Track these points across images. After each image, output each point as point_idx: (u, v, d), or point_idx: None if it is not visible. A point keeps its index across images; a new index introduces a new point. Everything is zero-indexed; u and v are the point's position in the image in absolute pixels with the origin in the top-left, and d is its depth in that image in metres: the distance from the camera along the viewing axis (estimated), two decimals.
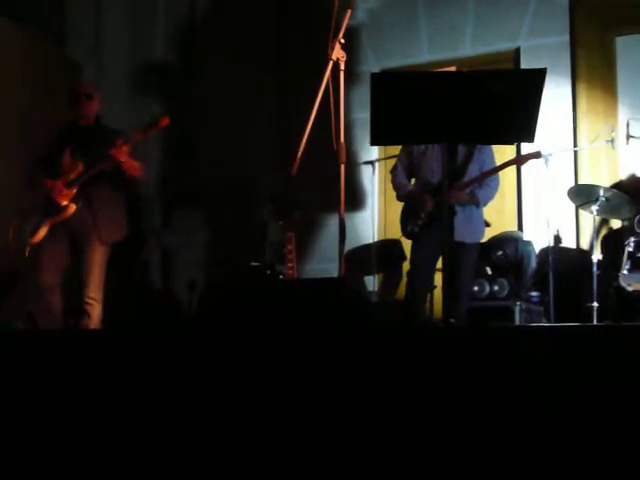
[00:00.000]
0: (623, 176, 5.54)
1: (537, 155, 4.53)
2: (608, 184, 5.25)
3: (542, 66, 3.03)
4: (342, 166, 3.57)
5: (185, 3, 7.05)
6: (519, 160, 4.72)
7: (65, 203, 4.36)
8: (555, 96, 5.50)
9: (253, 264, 5.62)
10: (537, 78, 2.98)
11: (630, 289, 4.67)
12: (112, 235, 4.50)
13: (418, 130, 3.17)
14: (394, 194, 4.65)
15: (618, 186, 5.28)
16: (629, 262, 4.71)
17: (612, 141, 5.14)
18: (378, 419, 2.08)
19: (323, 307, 2.67)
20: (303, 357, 2.23)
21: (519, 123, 3.10)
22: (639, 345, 1.96)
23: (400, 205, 4.57)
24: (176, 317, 5.69)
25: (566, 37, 5.77)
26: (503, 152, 4.62)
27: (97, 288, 4.43)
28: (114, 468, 2.29)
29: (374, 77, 3.14)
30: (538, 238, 5.33)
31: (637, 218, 4.86)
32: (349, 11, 3.68)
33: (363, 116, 5.82)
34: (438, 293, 4.77)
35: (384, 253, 5.46)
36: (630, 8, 5.59)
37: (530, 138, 3.11)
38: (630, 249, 4.73)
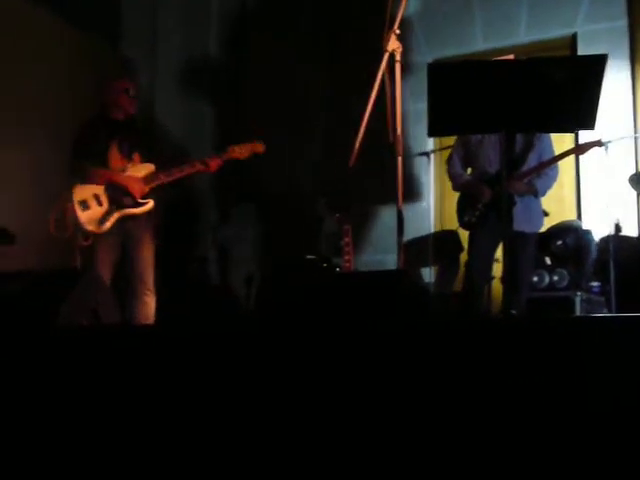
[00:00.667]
0: None
1: (598, 144, 4.44)
2: None
3: (600, 52, 2.98)
4: (399, 158, 3.57)
5: (237, 4, 7.12)
6: (580, 149, 4.62)
7: (142, 199, 4.43)
8: (614, 81, 5.40)
9: (309, 257, 5.63)
10: (598, 64, 2.92)
11: None
12: (156, 234, 4.61)
13: (477, 120, 3.13)
14: (450, 185, 4.63)
15: None
16: None
17: None
18: (438, 412, 2.07)
19: (384, 300, 2.67)
20: (362, 351, 2.23)
21: (579, 111, 3.03)
22: None
23: (456, 195, 4.54)
24: (234, 312, 5.74)
25: (624, 21, 5.66)
26: (562, 140, 4.56)
27: (152, 283, 4.51)
28: (176, 463, 2.32)
29: (431, 68, 3.09)
30: (598, 227, 5.23)
31: None
32: (404, 1, 3.66)
33: (416, 107, 5.80)
34: (496, 284, 4.73)
35: (441, 244, 5.43)
36: None
37: (591, 126, 3.04)
38: None
